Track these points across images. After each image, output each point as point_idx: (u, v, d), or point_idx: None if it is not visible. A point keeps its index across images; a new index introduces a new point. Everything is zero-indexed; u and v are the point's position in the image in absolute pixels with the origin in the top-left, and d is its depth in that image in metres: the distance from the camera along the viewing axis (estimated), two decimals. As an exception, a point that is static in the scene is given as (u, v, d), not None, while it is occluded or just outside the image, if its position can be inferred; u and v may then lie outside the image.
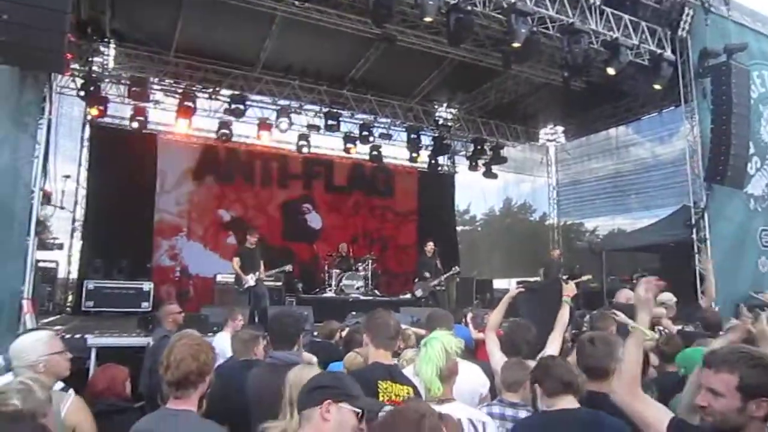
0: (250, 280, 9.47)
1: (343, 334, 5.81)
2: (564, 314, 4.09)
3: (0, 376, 2.66)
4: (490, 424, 2.72)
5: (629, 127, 16.33)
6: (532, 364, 3.33)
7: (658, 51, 10.77)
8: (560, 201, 19.18)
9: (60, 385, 2.87)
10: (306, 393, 2.04)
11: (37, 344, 2.79)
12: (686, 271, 10.63)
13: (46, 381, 2.67)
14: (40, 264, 10.48)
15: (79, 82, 12.50)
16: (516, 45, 9.55)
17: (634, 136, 16.35)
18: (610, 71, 10.37)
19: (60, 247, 12.44)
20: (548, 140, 19.07)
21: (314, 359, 4.03)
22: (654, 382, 3.76)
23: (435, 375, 2.67)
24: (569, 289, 4.31)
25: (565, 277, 10.73)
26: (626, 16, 10.51)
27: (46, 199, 8.77)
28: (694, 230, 10.96)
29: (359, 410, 1.96)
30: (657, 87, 11.02)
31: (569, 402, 2.61)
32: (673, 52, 10.98)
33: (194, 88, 13.87)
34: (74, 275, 13.17)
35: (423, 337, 5.28)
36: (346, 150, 15.85)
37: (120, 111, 13.99)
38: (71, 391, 2.84)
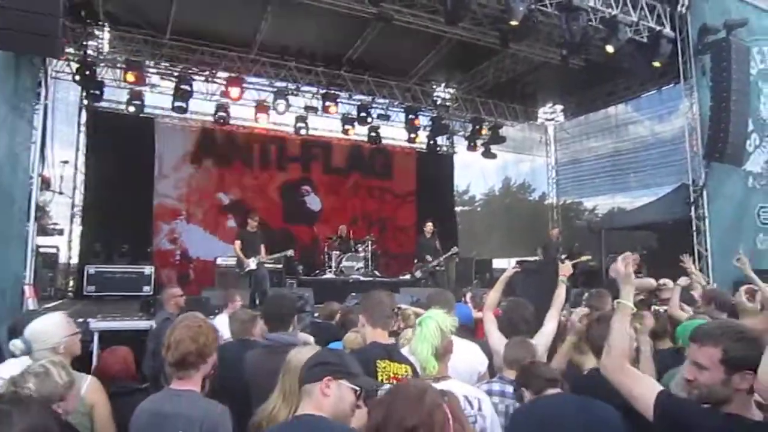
0: (251, 263, 9.52)
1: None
2: (560, 293, 4.14)
3: (17, 358, 2.69)
4: (486, 401, 2.77)
5: (628, 105, 16.25)
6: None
7: (657, 28, 10.68)
8: (559, 180, 19.18)
9: None
10: (308, 369, 2.09)
11: (56, 327, 2.86)
12: (685, 250, 10.65)
13: (65, 361, 2.72)
14: (41, 249, 10.52)
15: (75, 66, 12.42)
16: (513, 23, 9.46)
17: (633, 114, 16.27)
18: (609, 49, 10.29)
19: (60, 232, 12.47)
20: (547, 119, 18.99)
21: (311, 339, 4.08)
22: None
23: (430, 354, 2.70)
24: (565, 269, 4.35)
25: (563, 257, 10.78)
26: (625, -7, 10.42)
27: (45, 184, 8.78)
28: (693, 208, 10.99)
29: (358, 388, 2.02)
30: (656, 64, 10.95)
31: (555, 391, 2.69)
32: (673, 28, 10.89)
33: (190, 71, 13.78)
34: (75, 260, 13.24)
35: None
36: (345, 131, 15.81)
37: (116, 95, 13.91)
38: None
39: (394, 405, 1.65)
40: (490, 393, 2.94)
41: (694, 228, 10.90)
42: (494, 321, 4.01)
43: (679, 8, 10.86)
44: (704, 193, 10.83)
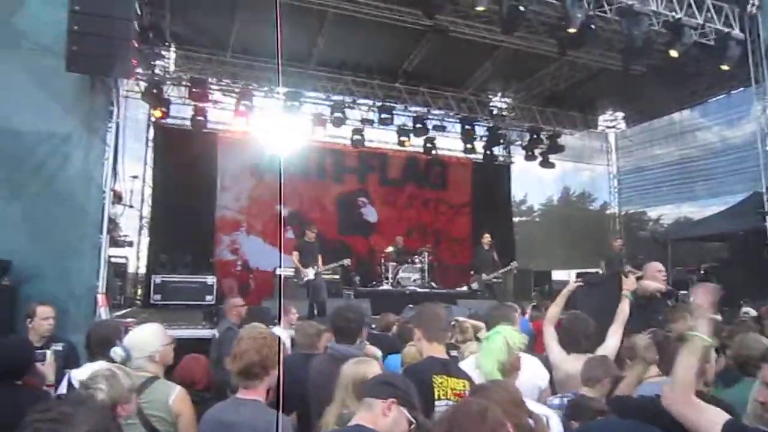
0: (309, 273, 9.67)
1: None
2: (624, 308, 4.04)
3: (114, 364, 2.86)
4: (554, 418, 2.71)
5: (695, 111, 15.65)
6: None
7: (725, 30, 10.24)
8: (621, 189, 18.62)
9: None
10: (376, 384, 2.20)
11: (153, 336, 3.03)
12: (758, 262, 10.13)
13: (157, 370, 2.93)
14: (112, 260, 11.04)
15: (143, 85, 13.05)
16: (572, 30, 9.29)
17: (700, 119, 15.64)
18: (673, 54, 9.94)
19: (130, 244, 13.08)
20: (608, 127, 18.50)
21: (378, 353, 4.07)
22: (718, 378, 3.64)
23: (496, 369, 2.67)
24: (629, 283, 4.23)
25: (627, 269, 10.41)
26: (689, -6, 10.05)
27: (118, 198, 9.20)
28: (767, 218, 10.41)
29: (414, 421, 2.10)
30: (724, 68, 10.48)
31: None
32: (742, 30, 10.41)
33: (251, 87, 14.21)
34: (143, 270, 13.84)
35: (480, 330, 5.30)
36: (400, 143, 15.86)
37: (181, 112, 14.50)
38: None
39: (456, 422, 1.63)
40: (561, 408, 2.88)
41: (768, 239, 10.31)
42: (555, 335, 3.93)
43: (749, 9, 10.38)
44: (779, 201, 10.25)
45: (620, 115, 17.96)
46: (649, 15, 9.53)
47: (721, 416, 2.09)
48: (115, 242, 10.58)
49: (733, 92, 13.77)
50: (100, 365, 3.11)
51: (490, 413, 1.65)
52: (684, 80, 13.81)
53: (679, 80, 13.75)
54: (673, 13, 9.85)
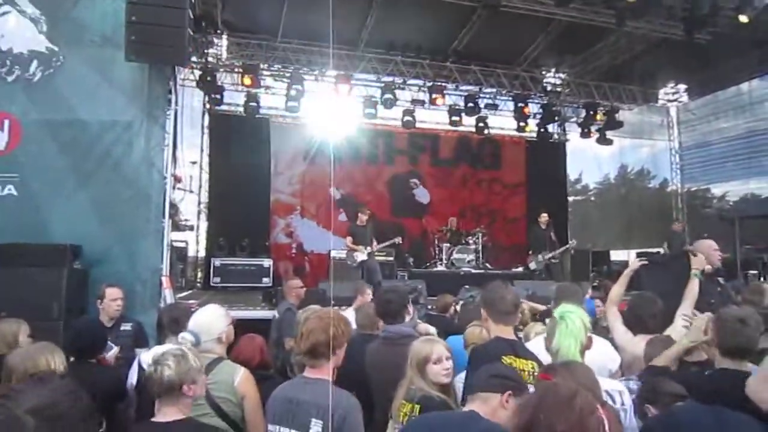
0: (360, 255, 9.73)
1: (458, 307, 5.84)
2: (693, 287, 3.87)
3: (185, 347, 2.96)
4: (626, 393, 2.65)
5: (764, 80, 14.72)
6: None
7: (801, -9, 9.58)
8: (684, 166, 17.85)
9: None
10: (488, 377, 2.27)
11: (218, 318, 3.10)
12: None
13: (223, 351, 3.02)
14: (174, 244, 11.43)
15: (197, 73, 13.33)
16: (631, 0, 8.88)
17: (770, 89, 14.73)
18: (743, 19, 9.40)
19: (191, 228, 13.53)
20: (669, 100, 17.67)
21: (432, 329, 4.08)
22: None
23: (578, 350, 2.61)
24: (698, 262, 4.04)
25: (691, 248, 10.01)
26: (761, -45, 9.44)
27: (178, 181, 9.46)
28: None
29: None
30: (800, 32, 9.84)
31: None
32: (820, -9, 9.72)
33: (301, 71, 14.30)
34: (202, 253, 14.28)
35: (539, 312, 5.19)
36: (452, 123, 15.64)
37: (235, 98, 14.76)
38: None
39: (542, 407, 1.54)
40: (629, 391, 2.78)
41: None
42: (619, 316, 3.82)
43: (827, -33, 9.67)
44: None
45: (682, 87, 17.11)
46: (716, -21, 9.02)
47: None
48: (176, 226, 10.94)
49: (808, 59, 12.88)
50: (169, 347, 3.22)
51: (579, 399, 1.53)
52: (753, 47, 13.02)
53: (747, 48, 12.97)
54: (743, -24, 9.28)
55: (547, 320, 3.02)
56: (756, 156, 15.04)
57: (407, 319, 3.70)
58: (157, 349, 3.15)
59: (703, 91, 16.58)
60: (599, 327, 4.36)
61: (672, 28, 11.89)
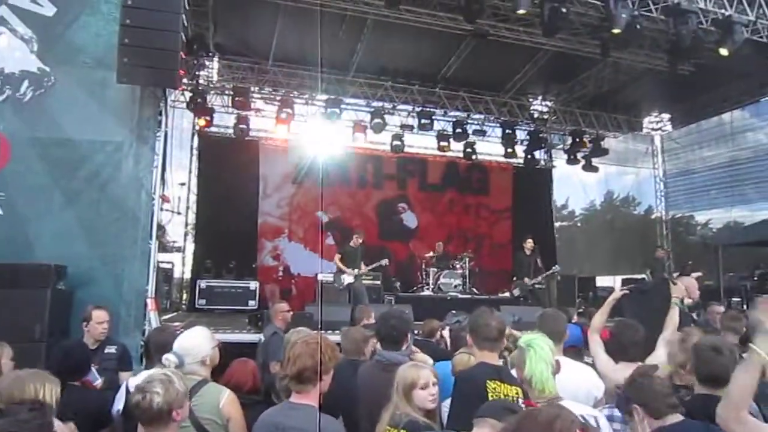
0: (347, 277, 9.73)
1: (444, 332, 5.83)
2: (674, 316, 3.92)
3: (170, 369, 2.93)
4: (602, 419, 2.67)
5: (745, 111, 15.05)
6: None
7: (779, 26, 9.86)
8: (668, 193, 18.09)
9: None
10: (499, 409, 2.31)
11: (204, 341, 3.11)
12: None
13: (207, 373, 2.99)
14: (160, 265, 11.35)
15: (188, 95, 13.38)
16: (616, 31, 9.09)
17: (751, 120, 15.05)
18: (723, 52, 9.60)
19: (179, 249, 13.43)
20: (653, 129, 18.00)
21: (429, 360, 4.06)
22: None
23: (550, 373, 2.64)
24: (678, 290, 4.11)
25: (676, 275, 10.12)
26: (740, -10, 9.72)
27: (166, 202, 9.42)
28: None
29: None
30: (778, 65, 10.11)
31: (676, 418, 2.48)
32: (797, 26, 10.01)
33: (292, 95, 14.41)
34: (188, 275, 14.15)
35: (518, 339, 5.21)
36: (440, 148, 15.79)
37: (224, 120, 14.81)
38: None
39: (522, 430, 1.59)
40: (611, 419, 2.80)
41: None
42: (601, 344, 3.84)
43: (803, 4, 9.98)
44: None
45: (666, 116, 17.46)
46: (697, 13, 9.26)
47: None
48: (163, 247, 10.89)
49: (787, 91, 13.22)
50: (153, 371, 3.20)
51: (559, 422, 1.57)
52: (734, 79, 13.36)
53: (729, 79, 13.31)
54: (723, 10, 9.54)
55: (512, 353, 3.04)
56: (738, 185, 15.29)
57: (404, 347, 3.70)
58: (145, 375, 3.13)
59: (686, 121, 16.90)
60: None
61: (656, 59, 12.17)
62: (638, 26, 9.41)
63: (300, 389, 2.59)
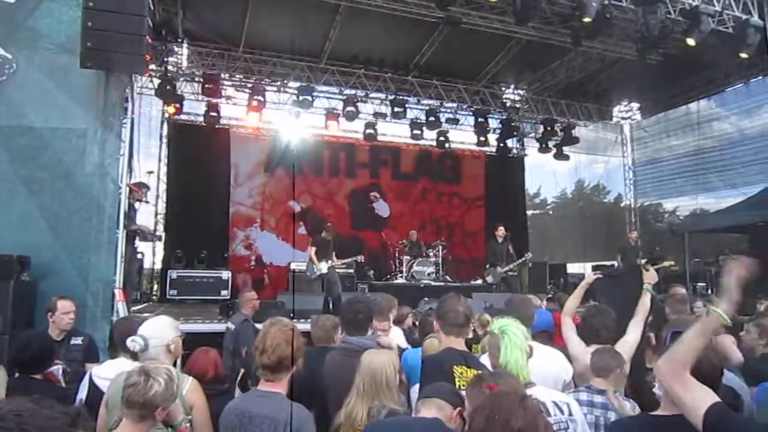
0: (322, 267, 9.69)
1: (415, 320, 5.86)
2: (645, 301, 3.97)
3: (138, 352, 2.88)
4: (575, 405, 2.68)
5: (711, 101, 15.37)
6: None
7: (744, 17, 10.05)
8: (637, 181, 18.43)
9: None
10: (449, 392, 2.40)
11: (169, 328, 3.03)
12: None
13: (170, 361, 2.92)
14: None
15: (157, 82, 13.11)
16: (587, 20, 9.18)
17: (717, 109, 15.37)
18: (691, 42, 9.78)
19: (160, 238, 13.18)
20: (623, 118, 18.32)
21: (394, 343, 4.07)
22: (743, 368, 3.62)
23: (525, 360, 2.67)
24: (650, 276, 4.16)
25: (644, 261, 10.31)
26: (707, -19, 9.90)
27: (138, 192, 9.24)
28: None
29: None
30: (743, 56, 10.32)
31: None
32: (761, 17, 10.21)
33: (263, 82, 14.23)
34: (159, 265, 13.93)
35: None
36: (413, 137, 15.80)
37: (194, 108, 14.56)
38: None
39: (499, 407, 1.68)
40: (577, 402, 2.83)
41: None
42: (573, 327, 3.89)
43: (768, -5, 10.20)
44: (800, 191, 10.09)
45: (635, 105, 17.78)
46: (665, 3, 9.41)
47: (710, 397, 1.97)
48: (143, 237, 10.69)
49: (751, 81, 13.52)
50: (121, 362, 3.14)
51: (529, 401, 1.72)
52: (701, 69, 13.62)
53: (696, 69, 13.56)
54: (690, 1, 9.70)
55: (487, 337, 3.05)
56: (704, 173, 15.63)
57: (369, 333, 3.70)
58: (113, 364, 3.07)
59: (655, 110, 17.22)
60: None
61: (625, 49, 12.34)
62: (608, 15, 9.54)
63: (273, 378, 2.57)
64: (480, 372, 2.65)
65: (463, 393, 2.38)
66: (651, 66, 12.54)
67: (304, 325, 5.04)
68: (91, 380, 3.22)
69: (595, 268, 13.57)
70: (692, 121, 15.93)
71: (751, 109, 14.10)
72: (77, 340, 4.60)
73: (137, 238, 8.15)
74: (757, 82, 13.13)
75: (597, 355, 3.18)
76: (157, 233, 13.18)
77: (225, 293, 12.37)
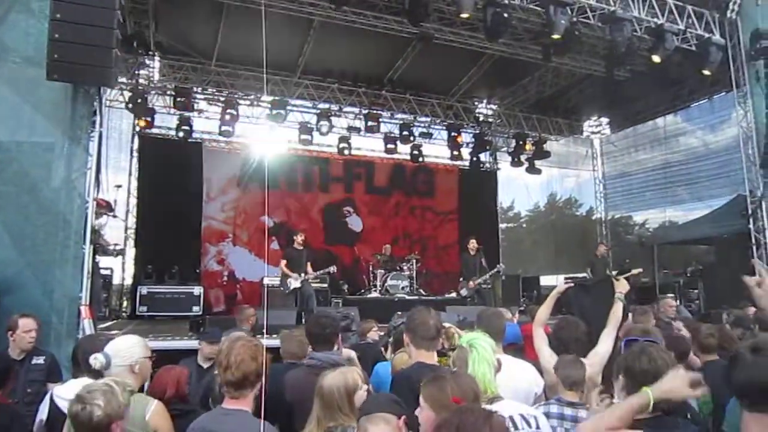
0: (294, 282, 9.61)
1: (379, 333, 5.79)
2: (617, 311, 3.98)
3: (101, 371, 2.80)
4: (542, 418, 2.67)
5: (678, 116, 15.75)
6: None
7: (706, 35, 10.40)
8: (607, 194, 18.71)
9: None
10: (390, 402, 2.33)
11: (135, 348, 2.96)
12: (744, 264, 10.21)
13: (135, 383, 2.83)
14: (101, 271, 10.87)
15: (127, 95, 12.93)
16: (556, 37, 9.38)
17: (683, 124, 15.75)
18: (656, 59, 10.07)
19: (122, 253, 12.93)
20: (593, 133, 18.65)
21: (353, 354, 4.00)
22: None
23: (493, 374, 2.64)
24: (622, 286, 4.19)
25: (614, 273, 10.46)
26: (671, 1, 10.19)
27: (108, 207, 9.08)
28: (751, 220, 10.53)
29: None
30: (706, 73, 10.62)
31: None
32: (722, 35, 10.57)
33: (236, 96, 14.15)
34: (128, 281, 13.64)
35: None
36: (387, 151, 15.85)
37: (166, 121, 14.38)
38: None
39: (464, 423, 1.68)
40: (548, 416, 2.83)
41: (753, 241, 10.42)
42: (545, 338, 3.88)
43: (728, 14, 10.54)
44: (763, 203, 10.37)
45: (605, 120, 18.14)
46: (631, 21, 9.66)
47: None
48: (103, 251, 10.46)
49: (715, 97, 13.92)
50: (84, 381, 3.04)
51: (494, 419, 1.72)
52: (667, 85, 13.98)
53: (662, 85, 13.91)
54: (655, 19, 9.99)
55: (455, 351, 3.05)
56: (671, 186, 15.97)
57: (335, 348, 3.65)
58: (75, 384, 2.97)
59: (623, 125, 17.56)
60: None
61: (594, 65, 12.64)
62: (577, 32, 9.76)
63: (238, 395, 2.51)
64: (439, 374, 2.59)
65: (399, 400, 2.33)
66: (619, 82, 12.86)
67: (276, 341, 4.99)
68: (51, 400, 3.12)
69: (567, 280, 13.70)
70: (659, 135, 16.30)
71: (715, 124, 14.48)
72: (39, 360, 4.46)
73: (97, 252, 7.98)
74: (721, 97, 13.49)
75: (565, 367, 3.16)
76: (120, 247, 12.91)
77: (197, 309, 12.18)
